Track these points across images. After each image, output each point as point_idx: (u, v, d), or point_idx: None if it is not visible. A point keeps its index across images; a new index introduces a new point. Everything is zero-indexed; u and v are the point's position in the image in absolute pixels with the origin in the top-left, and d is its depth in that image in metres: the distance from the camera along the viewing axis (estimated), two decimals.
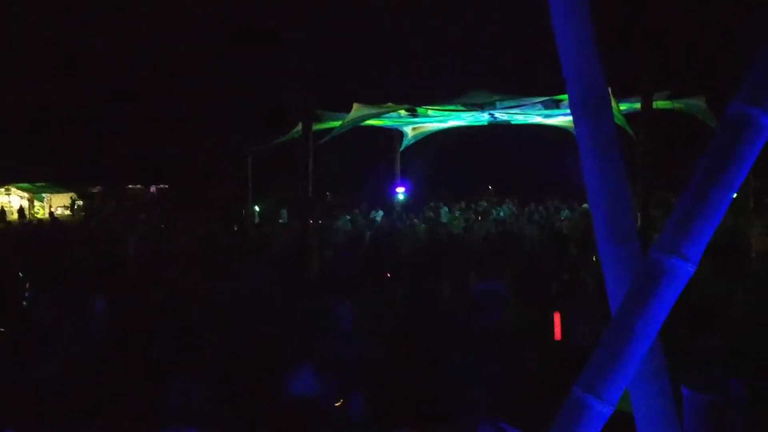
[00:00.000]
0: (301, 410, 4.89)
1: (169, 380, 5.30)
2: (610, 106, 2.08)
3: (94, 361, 5.39)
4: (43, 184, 35.44)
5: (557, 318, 5.58)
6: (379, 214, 19.32)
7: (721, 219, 1.84)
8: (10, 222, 23.47)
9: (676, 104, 14.53)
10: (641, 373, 1.98)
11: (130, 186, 40.39)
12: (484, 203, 22.66)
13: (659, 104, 13.51)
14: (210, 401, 5.25)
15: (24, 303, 7.96)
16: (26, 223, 22.68)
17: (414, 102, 15.33)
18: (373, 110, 14.98)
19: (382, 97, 15.24)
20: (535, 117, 18.99)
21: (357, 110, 14.52)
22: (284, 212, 18.79)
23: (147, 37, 25.60)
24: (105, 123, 33.03)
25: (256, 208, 19.58)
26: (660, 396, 2.07)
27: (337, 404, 5.03)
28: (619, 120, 13.40)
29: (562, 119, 19.89)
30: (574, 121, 2.10)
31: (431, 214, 19.17)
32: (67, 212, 32.04)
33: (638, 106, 12.70)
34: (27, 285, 8.43)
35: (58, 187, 35.84)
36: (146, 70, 28.39)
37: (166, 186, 39.37)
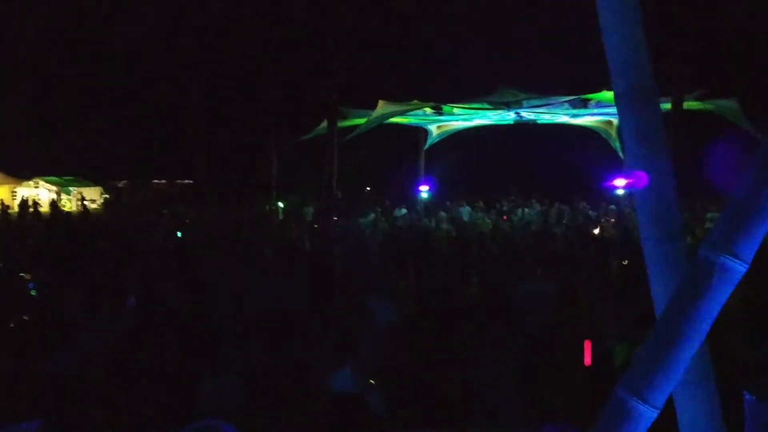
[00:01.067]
0: (343, 407, 4.88)
1: (202, 376, 5.32)
2: (658, 100, 2.02)
3: (123, 356, 5.40)
4: (71, 178, 35.90)
5: (588, 346, 5.56)
6: (403, 212, 19.23)
7: None
8: (40, 214, 23.74)
9: (707, 105, 14.28)
10: (687, 377, 1.91)
11: (155, 181, 40.87)
12: (506, 204, 22.44)
13: (689, 105, 13.28)
14: (242, 397, 5.26)
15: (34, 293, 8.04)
16: (58, 216, 22.96)
17: (440, 100, 15.26)
18: (399, 108, 14.94)
19: (407, 94, 15.17)
20: (561, 116, 18.82)
21: (382, 107, 14.49)
22: (309, 209, 18.82)
23: (176, 32, 25.79)
24: (133, 118, 33.40)
25: (280, 205, 19.62)
26: (705, 401, 2.01)
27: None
28: None
29: (588, 119, 19.70)
30: (620, 114, 2.04)
31: (454, 213, 19.04)
32: (94, 206, 32.37)
33: (668, 106, 12.54)
34: (36, 275, 8.48)
35: (85, 181, 36.30)
36: (174, 66, 28.62)
37: (191, 181, 39.73)
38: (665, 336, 1.81)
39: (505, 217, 18.85)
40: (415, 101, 14.96)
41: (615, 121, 19.80)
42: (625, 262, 8.95)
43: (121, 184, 38.12)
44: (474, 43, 23.12)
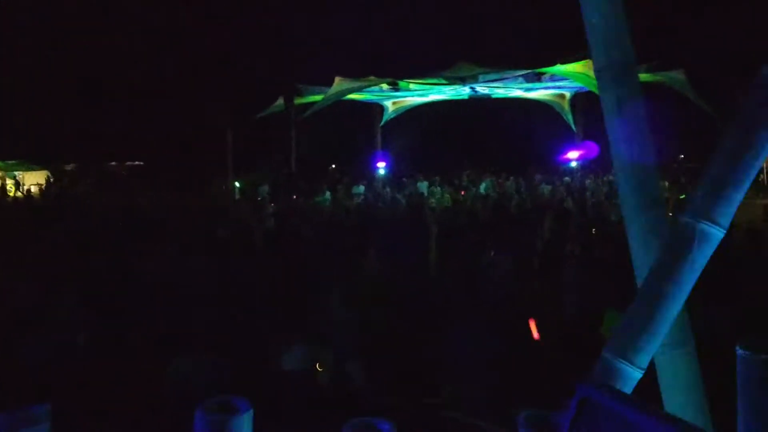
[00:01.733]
0: (293, 384, 4.99)
1: (168, 359, 5.31)
2: (636, 74, 2.09)
3: (88, 344, 5.35)
4: (15, 162, 34.66)
5: (532, 324, 5.78)
6: (361, 189, 19.26)
7: (749, 185, 1.86)
8: None
9: (657, 77, 14.63)
10: (668, 340, 2.01)
11: (104, 163, 39.72)
12: (464, 178, 22.64)
13: (641, 77, 13.58)
14: (206, 377, 5.28)
15: None
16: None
17: (397, 76, 15.24)
18: (356, 84, 14.87)
19: (364, 71, 15.10)
20: (515, 91, 19.02)
21: (339, 84, 14.40)
22: (263, 189, 18.67)
23: (126, 8, 25.00)
24: (79, 98, 32.33)
25: (237, 184, 19.40)
26: (686, 363, 2.11)
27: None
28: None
29: (542, 92, 19.97)
30: (600, 88, 2.10)
31: (414, 189, 19.15)
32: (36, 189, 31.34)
33: None
34: None
35: (31, 165, 35.08)
36: (123, 44, 27.76)
37: (141, 163, 38.78)
38: (649, 299, 1.90)
39: (462, 192, 19.07)
40: (372, 77, 14.92)
41: (568, 94, 20.15)
42: (594, 231, 9.15)
43: (68, 167, 36.92)
44: (426, 18, 23.08)
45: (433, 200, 15.77)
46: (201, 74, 22.04)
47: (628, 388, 1.93)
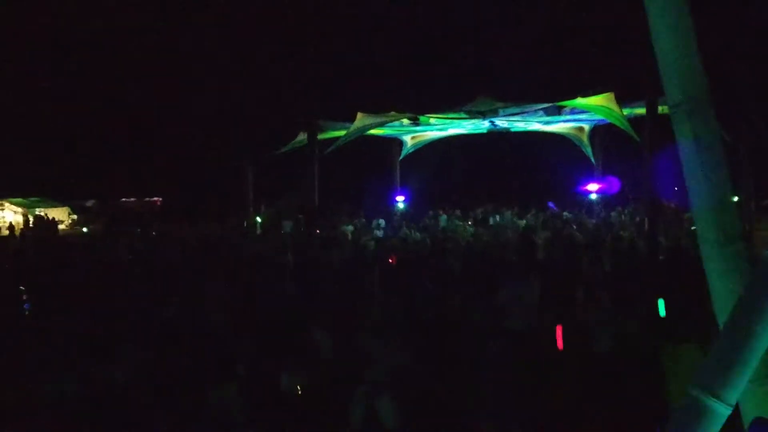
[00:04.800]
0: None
1: (203, 389, 5.33)
2: (712, 109, 2.09)
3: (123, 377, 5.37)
4: (36, 198, 35.13)
5: (559, 330, 5.76)
6: (381, 223, 19.30)
7: None
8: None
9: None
10: (752, 377, 1.98)
11: (123, 199, 40.18)
12: (481, 212, 22.65)
13: (663, 109, 13.59)
14: (245, 403, 5.30)
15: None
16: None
17: (417, 111, 15.36)
18: (377, 119, 14.98)
19: (385, 105, 15.23)
20: (534, 124, 19.07)
21: (361, 119, 14.52)
22: (288, 223, 18.75)
23: (142, 44, 25.51)
24: (99, 135, 32.89)
25: (258, 219, 19.51)
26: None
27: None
28: (623, 125, 13.50)
29: (561, 126, 20.00)
30: (675, 124, 2.11)
31: (432, 222, 19.18)
32: (62, 226, 31.66)
33: (642, 111, 12.80)
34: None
35: (52, 201, 35.52)
36: (141, 81, 28.29)
37: (161, 198, 39.20)
38: (737, 335, 1.88)
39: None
40: (393, 112, 15.03)
41: (587, 127, 20.17)
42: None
43: (89, 204, 37.37)
44: (446, 53, 23.36)
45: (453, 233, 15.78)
46: (222, 110, 22.36)
47: (716, 426, 1.90)
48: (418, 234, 15.83)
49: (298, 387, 5.47)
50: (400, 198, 22.43)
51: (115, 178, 36.10)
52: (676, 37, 2.07)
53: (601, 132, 20.26)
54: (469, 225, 17.59)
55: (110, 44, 25.95)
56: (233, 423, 5.03)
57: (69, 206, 35.98)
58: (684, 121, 2.07)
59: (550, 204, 20.98)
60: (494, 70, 21.76)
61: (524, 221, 17.85)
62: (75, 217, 35.22)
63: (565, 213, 19.50)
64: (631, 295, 7.29)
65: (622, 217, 18.47)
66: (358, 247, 14.29)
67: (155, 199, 40.18)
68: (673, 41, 2.07)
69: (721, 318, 2.05)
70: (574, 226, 15.25)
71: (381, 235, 16.56)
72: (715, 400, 1.87)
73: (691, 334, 4.54)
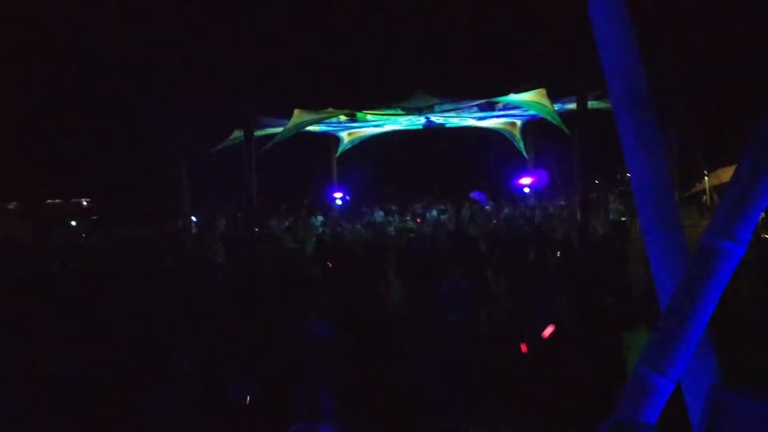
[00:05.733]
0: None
1: (146, 392, 5.25)
2: (651, 102, 2.22)
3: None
4: None
5: (550, 329, 5.94)
6: (319, 220, 19.30)
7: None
8: None
9: (607, 104, 15.13)
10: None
11: (49, 201, 38.55)
12: (417, 207, 22.92)
13: (592, 104, 14.04)
14: (185, 407, 5.26)
15: None
16: None
17: (355, 107, 15.39)
18: (315, 116, 14.95)
19: (321, 102, 15.21)
20: (469, 120, 19.39)
21: (298, 116, 14.45)
22: (223, 222, 18.49)
23: (69, 38, 24.54)
24: (19, 134, 31.42)
25: (193, 218, 19.13)
26: (708, 372, 2.22)
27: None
28: (555, 120, 13.90)
29: (494, 121, 20.41)
30: (617, 117, 2.23)
31: (372, 218, 19.30)
32: None
33: (573, 106, 13.19)
34: None
35: None
36: (64, 77, 27.18)
37: (89, 199, 37.85)
38: (679, 315, 2.01)
39: (418, 220, 19.30)
40: (330, 109, 15.02)
41: (519, 122, 20.66)
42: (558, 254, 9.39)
43: (11, 206, 35.70)
44: (378, 48, 23.43)
45: (391, 228, 15.95)
46: (154, 106, 21.76)
47: (661, 399, 2.03)
48: (361, 229, 15.94)
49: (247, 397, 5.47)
50: (338, 194, 22.43)
51: (39, 178, 34.54)
52: (620, 40, 2.18)
53: (532, 126, 20.78)
54: (407, 220, 17.75)
55: (33, 37, 24.83)
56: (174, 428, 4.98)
57: None
58: (626, 116, 2.19)
59: (475, 194, 21.44)
60: (430, 68, 21.93)
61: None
62: None
63: (486, 207, 20.05)
64: (568, 284, 7.55)
65: (551, 209, 19.06)
66: (297, 244, 14.28)
67: (83, 200, 38.77)
68: (617, 43, 2.19)
69: (664, 300, 2.18)
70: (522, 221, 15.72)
71: (319, 232, 16.59)
72: (659, 374, 2.00)
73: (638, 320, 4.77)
